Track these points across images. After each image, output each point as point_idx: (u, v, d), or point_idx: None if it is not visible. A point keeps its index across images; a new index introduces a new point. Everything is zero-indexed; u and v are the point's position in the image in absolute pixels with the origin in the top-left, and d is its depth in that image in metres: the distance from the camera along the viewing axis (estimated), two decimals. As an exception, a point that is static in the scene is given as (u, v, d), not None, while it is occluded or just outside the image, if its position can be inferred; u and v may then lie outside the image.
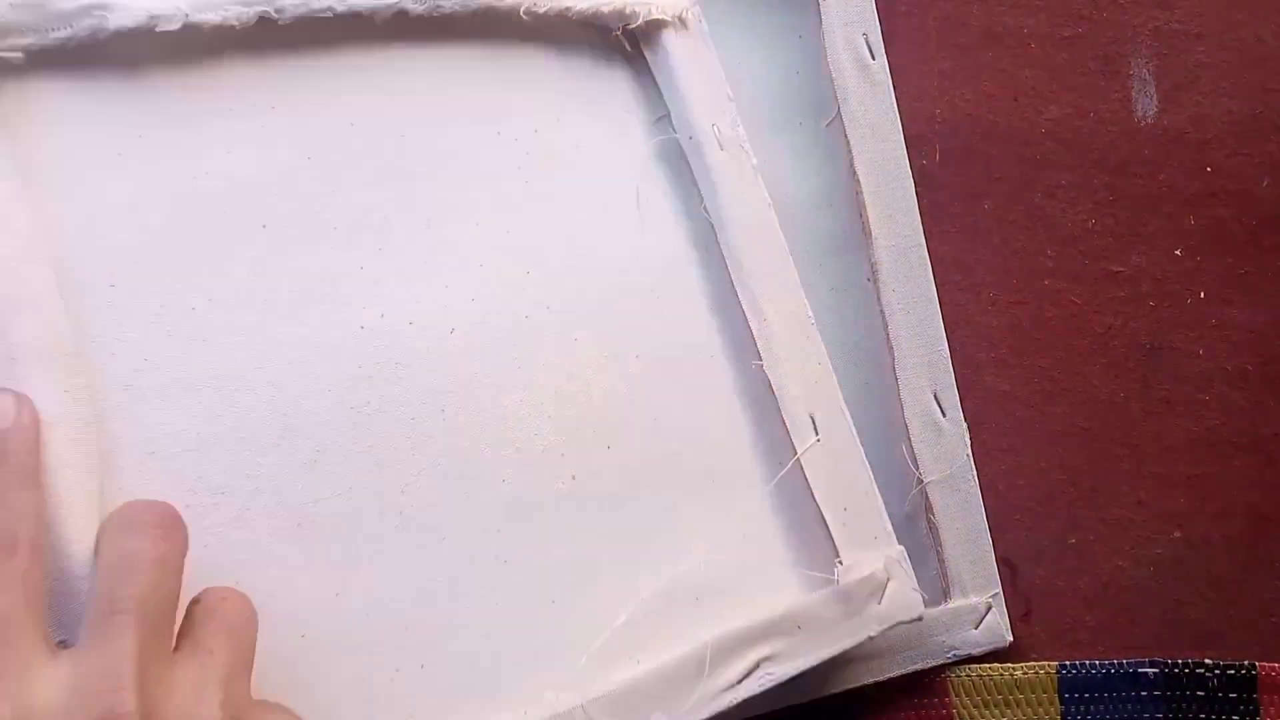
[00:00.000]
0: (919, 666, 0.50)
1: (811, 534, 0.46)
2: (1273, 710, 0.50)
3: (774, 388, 0.47)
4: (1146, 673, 0.50)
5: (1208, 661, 0.50)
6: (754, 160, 0.49)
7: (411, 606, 0.39)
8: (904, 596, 0.46)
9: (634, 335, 0.46)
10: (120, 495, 0.35)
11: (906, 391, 0.50)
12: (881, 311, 0.50)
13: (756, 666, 0.42)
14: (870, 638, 0.45)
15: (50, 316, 0.34)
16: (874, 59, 0.51)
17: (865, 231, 0.50)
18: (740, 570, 0.45)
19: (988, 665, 0.50)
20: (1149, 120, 0.50)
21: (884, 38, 0.51)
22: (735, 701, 0.42)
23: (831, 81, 0.51)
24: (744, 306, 0.48)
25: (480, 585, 0.40)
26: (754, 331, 0.48)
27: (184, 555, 0.33)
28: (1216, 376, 0.51)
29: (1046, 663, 0.50)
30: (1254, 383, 0.51)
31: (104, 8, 0.35)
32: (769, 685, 0.42)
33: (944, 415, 0.50)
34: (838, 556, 0.45)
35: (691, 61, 0.49)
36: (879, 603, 0.45)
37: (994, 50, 0.50)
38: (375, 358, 0.39)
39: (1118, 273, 0.51)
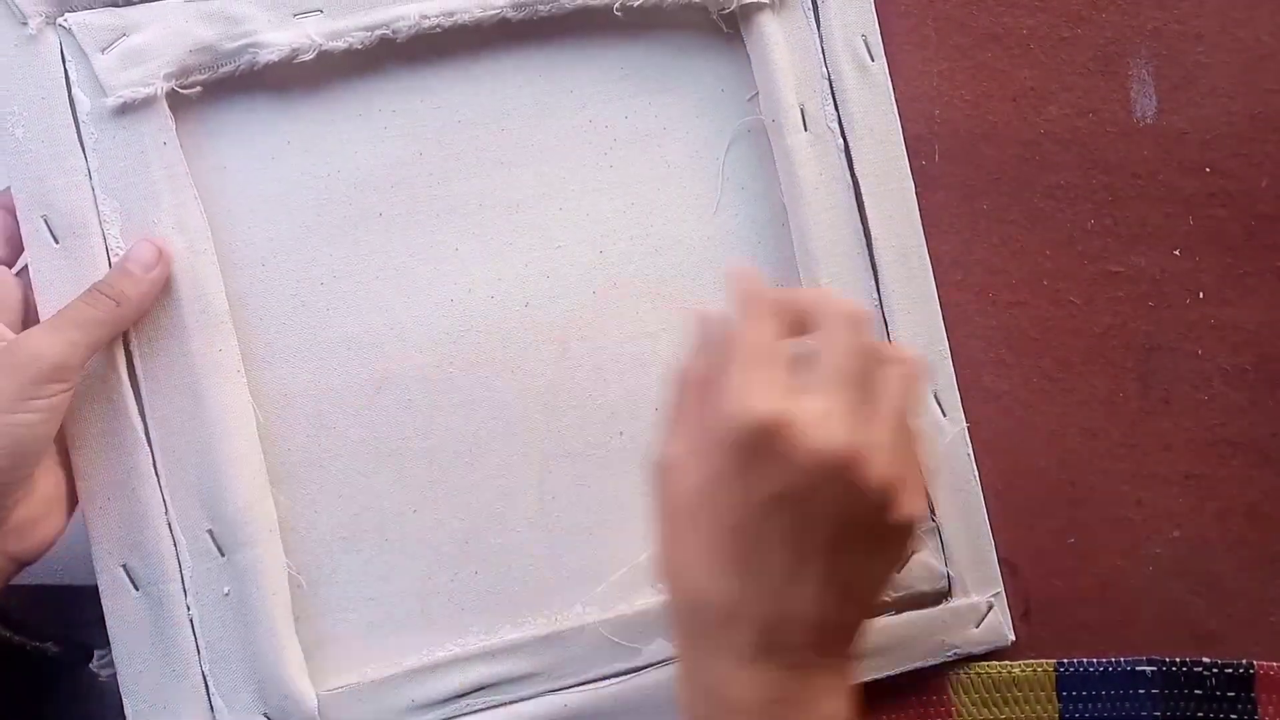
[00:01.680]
0: (920, 664, 0.50)
1: None
2: (1270, 709, 0.50)
3: None
4: (1144, 671, 0.50)
5: (1205, 660, 0.50)
6: (841, 143, 0.50)
7: (471, 526, 0.49)
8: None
9: (692, 309, 0.49)
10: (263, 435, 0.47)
11: None
12: (882, 312, 0.50)
13: None
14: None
15: (213, 292, 0.46)
16: (873, 61, 0.51)
17: (865, 233, 0.50)
18: None
19: (987, 664, 0.50)
20: (1148, 120, 0.50)
21: (883, 38, 0.51)
22: None
23: (829, 83, 0.51)
24: (805, 288, 0.50)
25: (529, 515, 0.49)
26: None
27: None
28: (1215, 376, 0.51)
29: (1045, 661, 0.51)
30: (1253, 382, 0.51)
31: (256, 47, 0.46)
32: None
33: (944, 415, 0.50)
34: None
35: (786, 43, 0.50)
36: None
37: (994, 50, 0.50)
38: (461, 325, 0.49)
39: (1117, 273, 0.51)
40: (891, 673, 0.50)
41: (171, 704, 0.46)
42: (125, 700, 0.47)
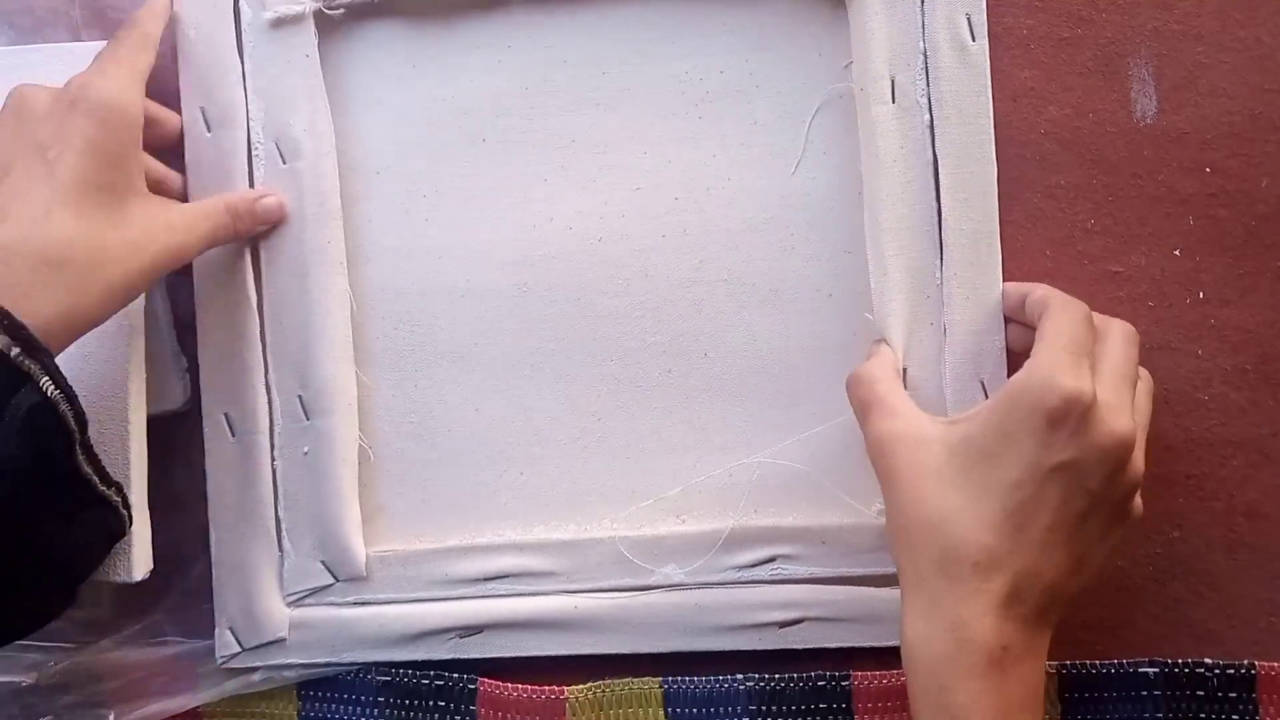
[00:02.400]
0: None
1: (866, 472, 0.45)
2: (1272, 709, 0.45)
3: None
4: (1147, 672, 0.46)
5: (1207, 661, 0.46)
6: (927, 119, 0.47)
7: (523, 432, 0.51)
8: None
9: (756, 265, 0.50)
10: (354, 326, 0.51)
11: (951, 374, 0.47)
12: (941, 294, 0.47)
13: (772, 559, 0.49)
14: (884, 575, 0.48)
15: (330, 190, 0.50)
16: (974, 41, 0.47)
17: (938, 213, 0.47)
18: (790, 481, 0.50)
19: None
20: (1148, 121, 0.48)
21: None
22: (743, 581, 0.49)
23: (925, 58, 0.47)
24: (869, 259, 0.47)
25: (576, 429, 0.51)
26: (872, 285, 0.47)
27: None
28: (1215, 376, 0.47)
29: (1047, 662, 0.46)
30: (1253, 382, 0.47)
31: None
32: (780, 578, 0.49)
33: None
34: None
35: (887, 12, 0.47)
36: None
37: (994, 50, 0.48)
38: (538, 250, 0.51)
39: (1117, 273, 0.48)
40: (886, 644, 0.47)
41: (248, 539, 0.49)
42: (211, 529, 0.50)
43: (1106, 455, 0.40)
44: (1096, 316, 0.43)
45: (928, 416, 0.43)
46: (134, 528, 0.46)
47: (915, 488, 0.42)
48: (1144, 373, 0.44)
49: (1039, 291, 0.45)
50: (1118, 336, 0.43)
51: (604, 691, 0.49)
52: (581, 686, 0.49)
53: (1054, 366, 0.40)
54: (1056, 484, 0.40)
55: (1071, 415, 0.39)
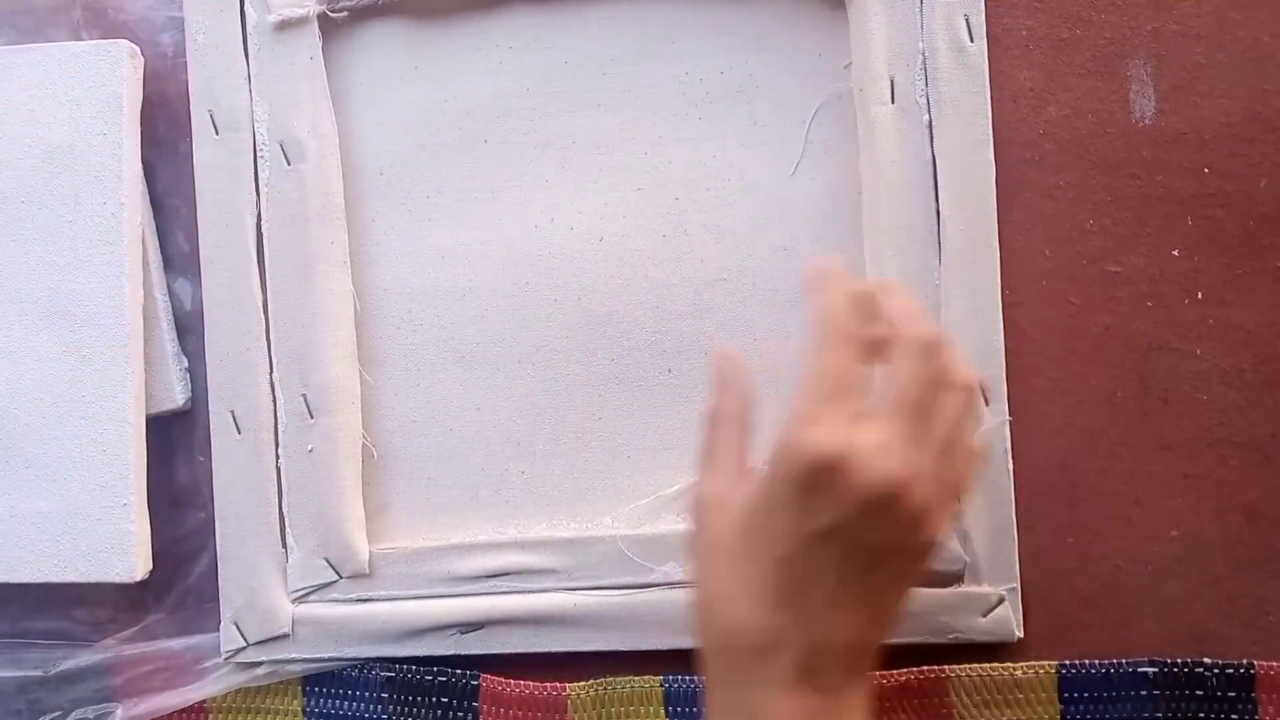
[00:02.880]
0: (918, 640, 0.47)
1: None
2: (1271, 709, 0.45)
3: None
4: (1146, 672, 0.46)
5: (1207, 661, 0.46)
6: (926, 119, 0.47)
7: (524, 430, 0.51)
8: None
9: (756, 265, 0.50)
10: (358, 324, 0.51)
11: None
12: (939, 294, 0.47)
13: None
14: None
15: (334, 191, 0.51)
16: (972, 42, 0.47)
17: (936, 214, 0.47)
18: None
19: (988, 665, 0.46)
20: (1147, 121, 0.48)
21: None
22: None
23: (924, 58, 0.48)
24: (868, 259, 0.47)
25: (575, 430, 0.51)
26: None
27: None
28: (1214, 376, 0.47)
29: (1046, 662, 0.46)
30: (1251, 382, 0.47)
31: None
32: None
33: (986, 405, 0.47)
34: None
35: (887, 13, 0.47)
36: None
37: (993, 50, 0.48)
38: (539, 250, 0.51)
39: (1116, 273, 0.48)
40: (889, 640, 0.49)
41: (253, 535, 0.50)
42: (216, 525, 0.50)
43: (873, 506, 0.36)
44: (903, 325, 0.38)
45: (750, 475, 0.39)
46: (134, 528, 0.46)
47: (703, 564, 0.39)
48: (970, 395, 0.39)
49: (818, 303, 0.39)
50: (910, 354, 0.37)
51: (605, 689, 0.49)
52: (583, 684, 0.49)
53: (803, 422, 0.36)
54: (827, 550, 0.36)
55: (822, 478, 0.36)
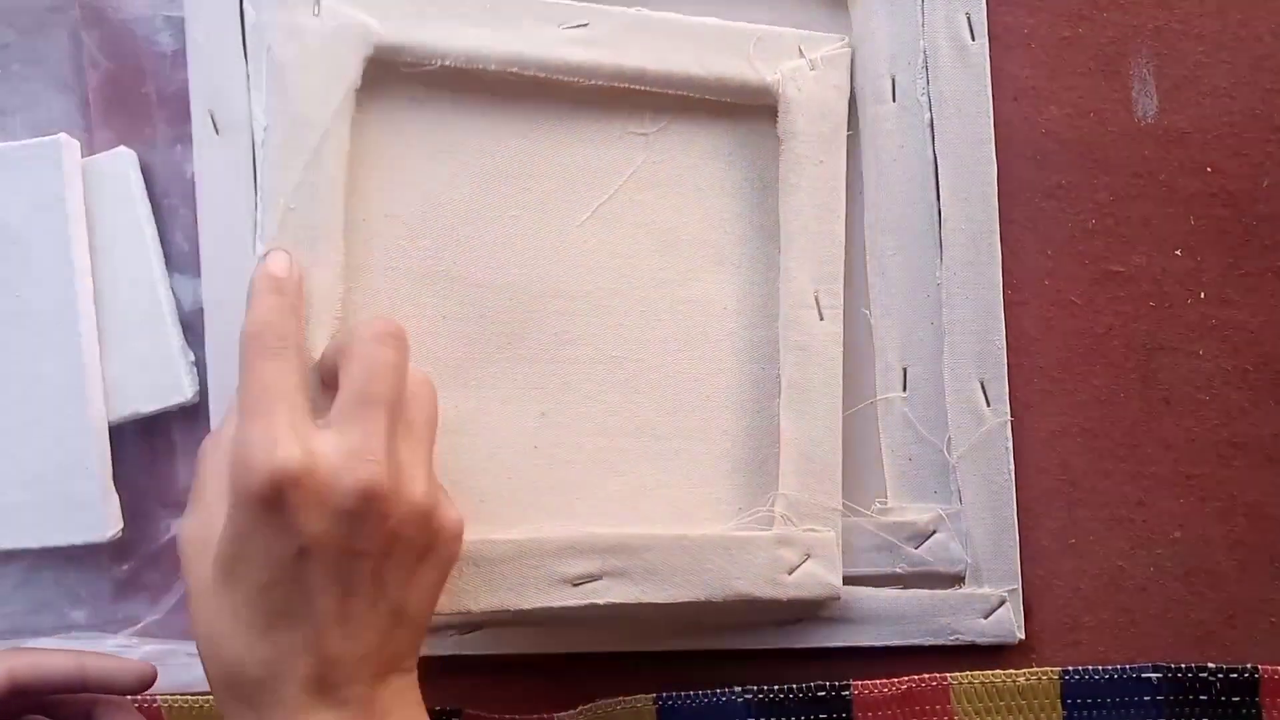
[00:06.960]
0: (917, 642, 0.47)
1: (864, 471, 0.47)
2: (1275, 713, 0.44)
3: (874, 336, 0.47)
4: (1150, 678, 0.45)
5: (1210, 666, 0.45)
6: (928, 117, 0.46)
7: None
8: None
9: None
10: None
11: (950, 375, 0.46)
12: (940, 294, 0.47)
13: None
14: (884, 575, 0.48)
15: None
16: (974, 40, 0.47)
17: (938, 212, 0.47)
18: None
19: (990, 672, 0.46)
20: (1149, 120, 0.47)
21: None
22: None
23: (924, 56, 0.47)
24: (869, 259, 0.47)
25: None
26: (869, 281, 0.47)
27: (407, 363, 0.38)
28: (1216, 376, 0.47)
29: (1049, 669, 0.46)
30: (1253, 382, 0.47)
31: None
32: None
33: (988, 405, 0.47)
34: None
35: (888, 12, 0.46)
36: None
37: (994, 49, 0.47)
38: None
39: (1117, 273, 0.47)
40: (886, 643, 0.46)
41: None
42: None
43: (351, 514, 0.34)
44: (353, 327, 0.38)
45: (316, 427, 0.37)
46: (99, 490, 0.46)
47: (194, 605, 0.36)
48: (425, 378, 0.39)
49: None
50: (360, 351, 0.36)
51: (595, 714, 0.47)
52: (570, 712, 0.47)
53: (246, 443, 0.34)
54: (314, 566, 0.34)
55: (286, 496, 0.33)
